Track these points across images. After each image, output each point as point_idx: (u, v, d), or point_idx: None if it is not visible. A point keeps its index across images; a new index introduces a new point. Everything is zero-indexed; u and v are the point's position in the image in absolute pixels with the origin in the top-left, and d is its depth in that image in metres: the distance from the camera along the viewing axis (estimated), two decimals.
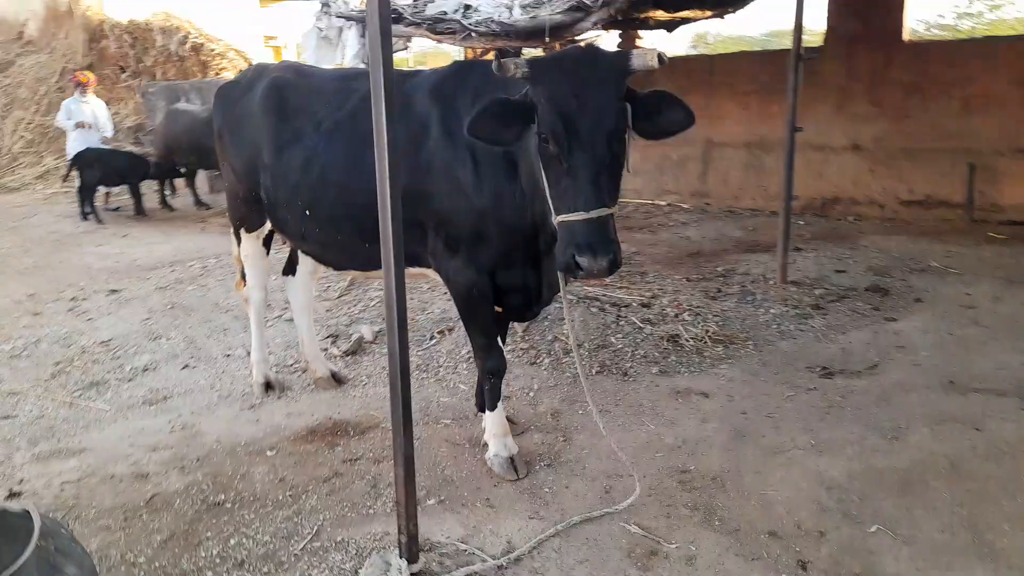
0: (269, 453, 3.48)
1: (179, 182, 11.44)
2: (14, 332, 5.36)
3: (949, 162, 8.29)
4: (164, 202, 11.03)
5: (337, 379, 4.28)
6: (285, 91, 3.55)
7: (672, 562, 2.62)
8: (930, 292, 5.76)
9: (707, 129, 9.81)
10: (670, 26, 9.00)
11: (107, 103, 11.86)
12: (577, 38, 6.10)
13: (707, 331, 4.92)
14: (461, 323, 3.54)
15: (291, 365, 4.60)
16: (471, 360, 4.35)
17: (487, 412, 3.33)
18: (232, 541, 2.78)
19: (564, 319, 4.11)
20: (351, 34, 7.32)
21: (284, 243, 4.06)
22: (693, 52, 16.80)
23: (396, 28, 6.38)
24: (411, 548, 2.51)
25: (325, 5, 7.56)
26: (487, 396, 3.30)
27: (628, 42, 10.18)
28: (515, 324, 4.78)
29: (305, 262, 4.14)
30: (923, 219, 8.47)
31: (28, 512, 2.03)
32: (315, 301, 5.06)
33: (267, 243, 4.06)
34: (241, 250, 4.07)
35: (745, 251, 7.41)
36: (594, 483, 3.15)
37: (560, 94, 2.41)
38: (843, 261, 6.80)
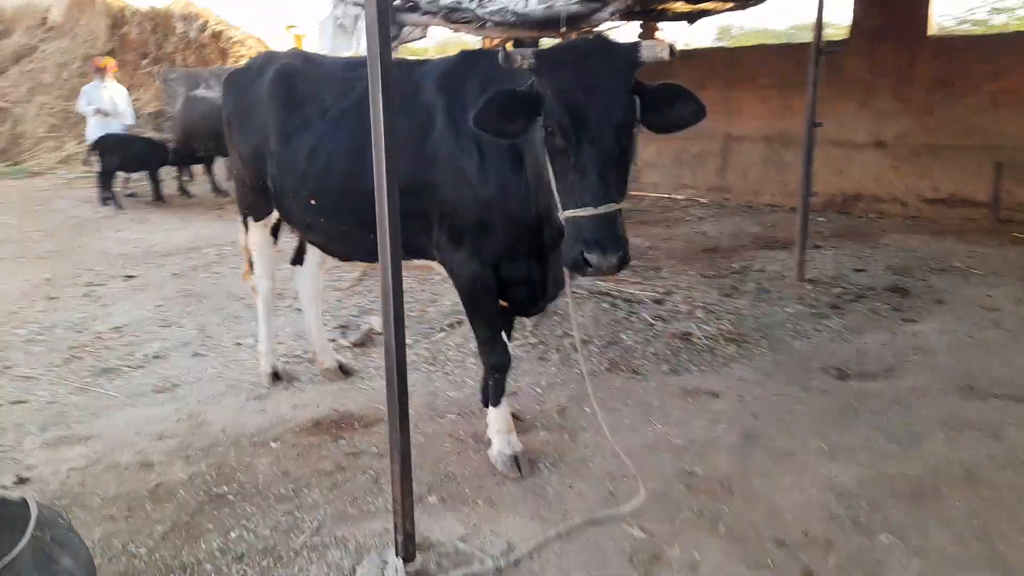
0: (273, 444, 3.47)
1: (197, 169, 11.54)
2: (30, 316, 5.41)
3: (975, 160, 8.11)
4: (182, 188, 11.12)
5: (344, 370, 4.26)
6: (293, 79, 3.52)
7: (674, 568, 2.57)
8: (951, 293, 5.63)
9: (726, 123, 9.68)
10: (691, 18, 8.88)
11: (128, 89, 11.94)
12: (595, 29, 6.01)
13: (720, 329, 4.85)
14: None
15: (299, 355, 4.60)
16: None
17: (491, 408, 3.29)
18: (233, 534, 2.77)
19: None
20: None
21: (293, 232, 4.05)
22: (715, 45, 16.59)
23: (412, 17, 6.34)
24: (407, 547, 2.47)
25: None
26: (491, 391, 3.27)
27: (648, 33, 10.04)
28: (525, 319, 4.74)
29: (314, 252, 4.12)
30: (947, 218, 8.30)
31: (26, 501, 2.03)
32: (325, 291, 5.05)
33: (275, 232, 4.02)
34: (248, 239, 4.06)
35: (763, 247, 7.30)
36: (598, 484, 3.10)
37: (567, 86, 2.34)
38: (863, 260, 6.68)
